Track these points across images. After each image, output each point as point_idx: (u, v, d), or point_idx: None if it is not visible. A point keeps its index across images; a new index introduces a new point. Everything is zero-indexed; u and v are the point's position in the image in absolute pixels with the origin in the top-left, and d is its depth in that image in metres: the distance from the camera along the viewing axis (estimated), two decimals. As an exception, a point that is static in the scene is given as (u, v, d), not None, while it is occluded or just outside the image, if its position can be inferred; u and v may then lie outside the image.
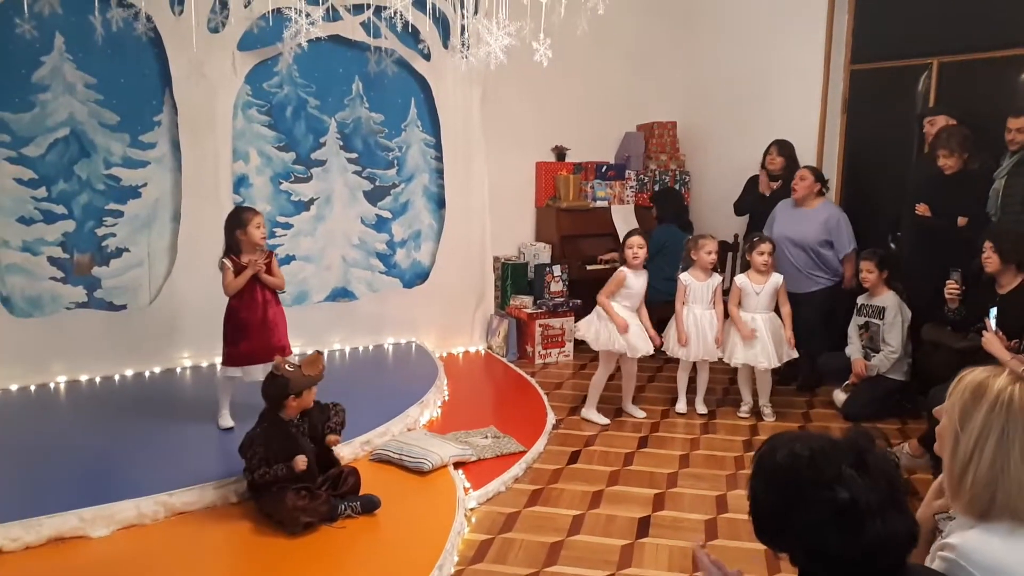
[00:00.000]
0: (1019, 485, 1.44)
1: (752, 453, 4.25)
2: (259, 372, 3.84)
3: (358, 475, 3.30)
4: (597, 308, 4.61)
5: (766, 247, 4.65)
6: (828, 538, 1.32)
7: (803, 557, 1.39)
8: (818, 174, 5.15)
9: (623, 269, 4.54)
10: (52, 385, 4.60)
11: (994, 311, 3.78)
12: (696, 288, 4.72)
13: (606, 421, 4.59)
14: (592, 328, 4.57)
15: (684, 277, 4.76)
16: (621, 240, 4.76)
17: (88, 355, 4.70)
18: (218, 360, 4.01)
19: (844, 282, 5.12)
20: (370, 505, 3.21)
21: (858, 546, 1.31)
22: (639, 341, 4.51)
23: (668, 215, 5.88)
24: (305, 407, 3.25)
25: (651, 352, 4.61)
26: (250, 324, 3.86)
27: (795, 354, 4.69)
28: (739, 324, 4.64)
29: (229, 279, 3.81)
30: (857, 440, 1.38)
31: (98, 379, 4.72)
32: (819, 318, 5.06)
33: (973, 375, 1.55)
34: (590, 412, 4.65)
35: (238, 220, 3.84)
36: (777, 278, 4.67)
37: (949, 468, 1.53)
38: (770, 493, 1.40)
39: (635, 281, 4.52)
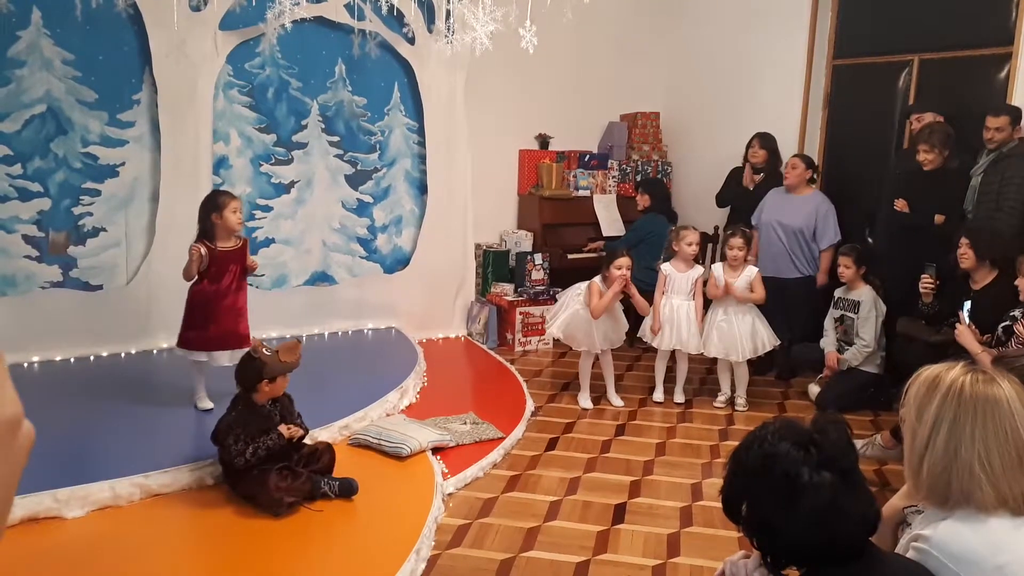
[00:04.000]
0: (970, 470, 1.49)
1: (728, 442, 4.33)
2: (225, 358, 3.82)
3: (332, 451, 3.30)
4: (560, 303, 4.72)
5: (735, 241, 4.67)
6: (771, 512, 1.41)
7: (755, 532, 1.46)
8: (809, 161, 5.27)
9: (595, 282, 4.55)
10: (26, 365, 4.54)
11: (967, 304, 3.85)
12: (676, 279, 4.75)
13: (589, 406, 4.65)
14: (567, 328, 4.64)
15: (665, 267, 4.79)
16: (603, 245, 4.77)
17: (63, 335, 4.65)
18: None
19: (819, 275, 5.19)
20: (348, 489, 3.21)
21: (800, 522, 1.37)
22: (581, 335, 4.59)
23: (657, 204, 5.90)
24: (276, 394, 3.22)
25: (595, 349, 4.65)
26: (220, 308, 3.81)
27: (776, 342, 4.73)
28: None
29: (195, 266, 3.74)
30: (814, 423, 1.46)
31: (73, 359, 4.67)
32: (801, 304, 5.12)
33: (928, 371, 1.60)
34: (581, 396, 4.74)
35: (214, 204, 3.77)
36: (751, 270, 4.68)
37: (908, 459, 1.59)
38: (732, 471, 1.52)
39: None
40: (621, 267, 4.49)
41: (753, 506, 1.45)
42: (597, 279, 4.57)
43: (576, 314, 4.58)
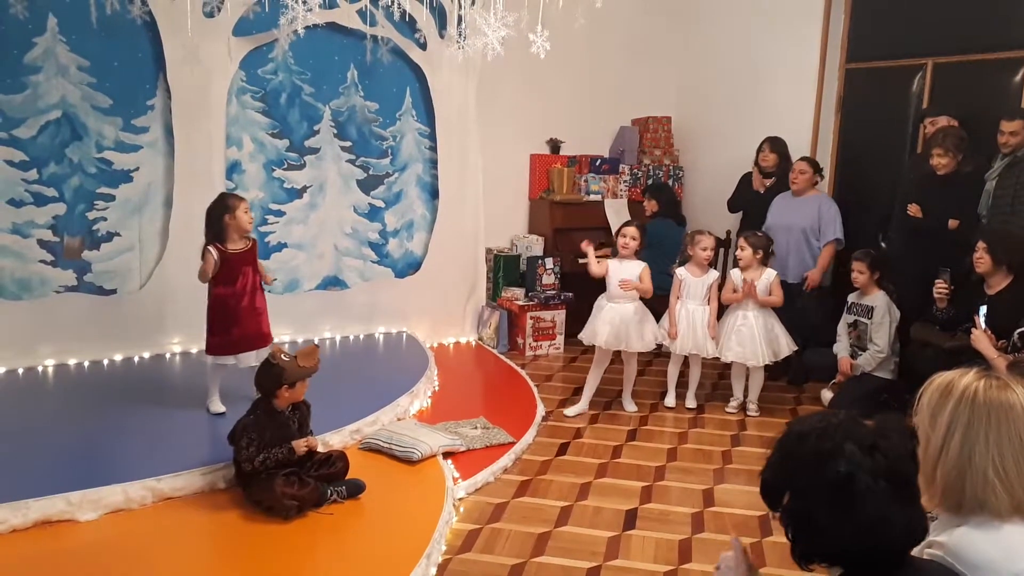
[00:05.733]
0: (984, 476, 1.48)
1: (740, 448, 4.30)
2: (252, 358, 3.84)
3: (346, 459, 3.31)
4: (594, 309, 4.66)
5: (740, 242, 4.73)
6: (818, 510, 1.34)
7: (794, 525, 1.41)
8: (816, 165, 5.28)
9: (606, 260, 4.56)
10: (40, 368, 4.57)
11: (984, 308, 3.81)
12: (691, 283, 4.73)
13: (572, 414, 4.60)
14: (589, 327, 4.60)
15: (680, 272, 4.78)
16: (614, 233, 4.76)
17: (77, 339, 4.68)
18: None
19: (815, 270, 5.16)
20: (355, 489, 3.23)
21: (848, 526, 1.32)
22: (600, 330, 4.51)
23: (665, 209, 5.89)
24: (296, 399, 3.24)
25: (649, 348, 4.62)
26: (240, 310, 3.84)
27: (794, 347, 4.72)
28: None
29: (209, 267, 3.76)
30: (879, 425, 1.39)
31: (86, 363, 4.70)
32: (812, 308, 5.09)
33: (942, 377, 1.59)
34: (573, 410, 4.66)
35: (225, 206, 3.80)
36: (770, 273, 4.68)
37: (922, 465, 1.57)
38: (781, 457, 1.44)
39: (620, 270, 4.51)
40: (625, 235, 4.51)
41: (798, 499, 1.39)
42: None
43: (597, 310, 4.54)
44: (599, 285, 4.65)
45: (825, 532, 1.35)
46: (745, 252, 4.67)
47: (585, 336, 4.62)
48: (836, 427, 1.38)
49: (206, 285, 3.87)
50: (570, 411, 4.63)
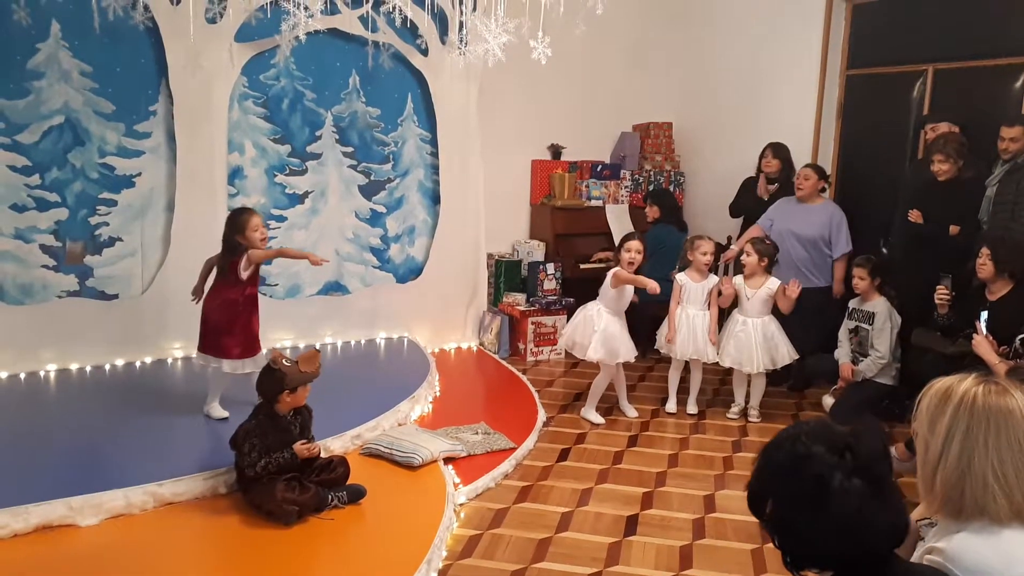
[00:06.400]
0: (984, 481, 1.48)
1: (741, 454, 4.30)
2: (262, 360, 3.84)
3: (347, 464, 3.31)
4: (578, 316, 4.65)
5: (747, 247, 4.72)
6: (797, 515, 1.38)
7: (778, 532, 1.44)
8: (821, 172, 5.26)
9: (618, 270, 4.54)
10: (42, 373, 4.58)
11: (985, 314, 3.80)
12: (691, 288, 4.73)
13: (602, 421, 4.60)
14: (606, 346, 4.54)
15: (680, 277, 4.78)
16: (617, 242, 4.74)
17: (79, 344, 4.69)
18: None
19: (835, 284, 5.17)
20: (356, 495, 3.23)
21: (827, 529, 1.34)
22: (621, 348, 4.51)
23: (667, 215, 5.90)
24: (298, 404, 3.24)
25: (632, 357, 4.62)
26: (257, 311, 3.94)
27: (795, 355, 4.71)
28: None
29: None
30: (852, 428, 1.42)
31: (88, 368, 4.70)
32: (811, 316, 5.08)
33: (940, 382, 1.59)
34: (589, 412, 4.65)
35: (235, 224, 3.82)
36: (773, 282, 4.67)
37: (921, 471, 1.58)
38: (763, 466, 1.47)
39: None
40: (631, 250, 4.47)
41: (778, 505, 1.42)
42: (616, 267, 4.55)
43: (606, 330, 4.50)
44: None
45: (807, 537, 1.38)
46: (751, 258, 4.66)
47: (598, 355, 4.50)
48: (808, 432, 1.42)
49: (206, 290, 3.90)
50: (597, 419, 4.61)
